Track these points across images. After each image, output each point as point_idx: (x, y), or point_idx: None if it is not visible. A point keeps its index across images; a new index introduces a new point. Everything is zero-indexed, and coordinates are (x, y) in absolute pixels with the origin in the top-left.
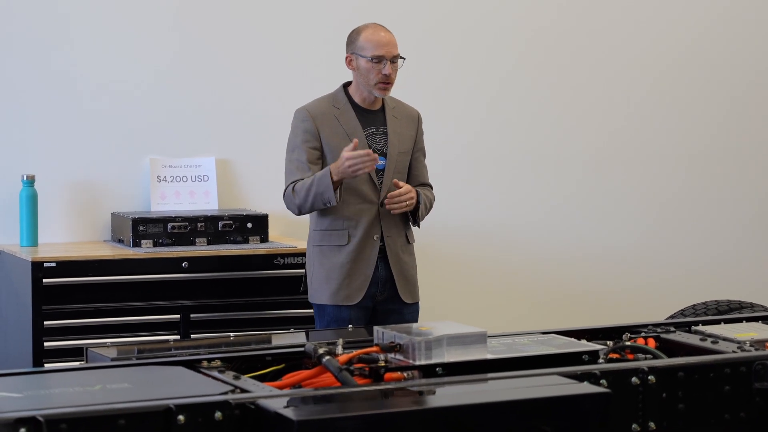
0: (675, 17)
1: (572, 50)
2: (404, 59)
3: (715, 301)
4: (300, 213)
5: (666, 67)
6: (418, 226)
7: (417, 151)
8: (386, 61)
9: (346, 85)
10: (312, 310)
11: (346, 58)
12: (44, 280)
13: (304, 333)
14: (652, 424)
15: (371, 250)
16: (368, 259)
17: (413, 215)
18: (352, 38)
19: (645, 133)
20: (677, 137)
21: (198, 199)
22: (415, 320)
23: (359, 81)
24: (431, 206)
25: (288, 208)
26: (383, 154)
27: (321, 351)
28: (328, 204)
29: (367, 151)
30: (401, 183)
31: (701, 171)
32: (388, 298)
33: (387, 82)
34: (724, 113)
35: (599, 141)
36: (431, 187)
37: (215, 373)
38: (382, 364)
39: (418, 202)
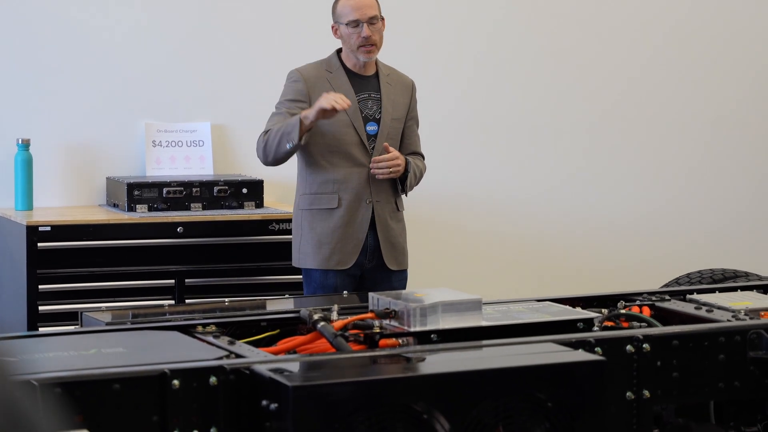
0: None
1: (573, 7)
2: (383, 19)
3: (710, 269)
4: (267, 160)
5: (673, 32)
6: (406, 195)
7: (410, 119)
8: (363, 23)
9: (340, 51)
10: None
11: (332, 27)
12: (39, 244)
13: (299, 299)
14: (646, 392)
15: (363, 214)
16: (360, 224)
17: (401, 183)
18: (333, 8)
19: (643, 100)
20: (676, 106)
21: (193, 164)
22: (403, 288)
23: (345, 48)
24: (421, 176)
25: (258, 155)
26: (375, 120)
27: (316, 317)
28: (290, 144)
29: (400, 162)
30: (391, 148)
31: (697, 140)
32: (376, 266)
33: (369, 44)
34: (730, 85)
35: (594, 107)
36: (423, 157)
37: (210, 338)
38: (377, 331)
39: (407, 170)
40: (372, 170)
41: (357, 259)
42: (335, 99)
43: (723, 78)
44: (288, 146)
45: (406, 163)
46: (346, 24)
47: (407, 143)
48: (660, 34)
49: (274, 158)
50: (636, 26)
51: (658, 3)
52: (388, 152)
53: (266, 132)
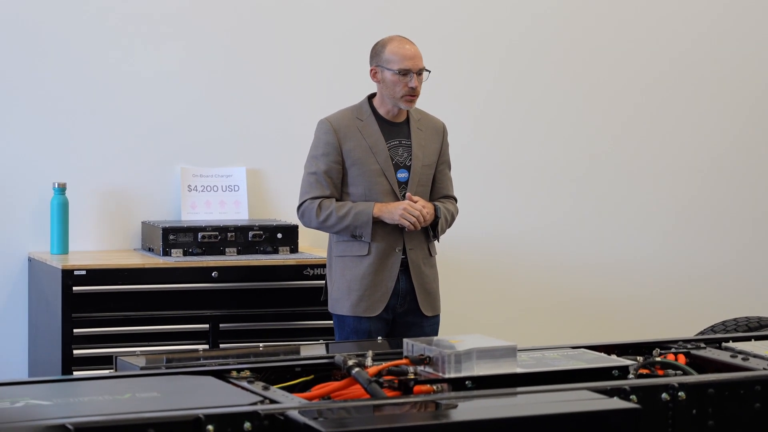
0: (693, 21)
1: (587, 62)
2: (429, 72)
3: (746, 317)
4: (312, 227)
5: (691, 73)
6: (438, 240)
7: (442, 163)
8: (412, 74)
9: (371, 97)
10: None
11: (371, 70)
12: (74, 288)
13: (333, 344)
14: None
15: (393, 262)
16: (390, 271)
17: (433, 229)
18: (377, 51)
19: (678, 145)
20: (712, 151)
21: (228, 208)
22: (435, 333)
23: (384, 93)
24: (453, 219)
25: (302, 220)
26: (406, 167)
27: (350, 363)
28: (360, 238)
29: (428, 210)
30: (415, 198)
31: (733, 186)
32: (409, 311)
33: (413, 95)
34: (758, 122)
35: (628, 153)
36: (455, 200)
37: (244, 384)
38: (412, 377)
39: (437, 216)
40: (399, 224)
41: (388, 304)
42: (416, 219)
43: (761, 123)
44: (357, 238)
45: (436, 209)
46: (396, 71)
47: (439, 187)
48: (690, 67)
49: (325, 231)
50: (670, 69)
51: (671, 44)
52: (414, 202)
53: (318, 202)
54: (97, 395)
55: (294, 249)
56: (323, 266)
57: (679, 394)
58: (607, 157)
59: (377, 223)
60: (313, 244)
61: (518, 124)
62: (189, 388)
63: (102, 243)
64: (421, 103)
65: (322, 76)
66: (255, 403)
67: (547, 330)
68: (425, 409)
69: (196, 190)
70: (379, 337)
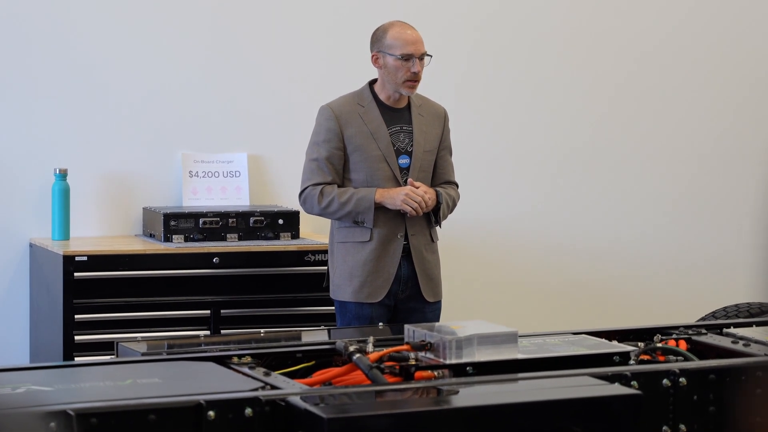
0: (689, 18)
1: (586, 48)
2: (431, 56)
3: (747, 303)
4: (314, 213)
5: (689, 58)
6: (440, 226)
7: (443, 149)
8: (414, 58)
9: (372, 83)
10: None
11: (372, 56)
12: (75, 274)
13: (334, 330)
14: (682, 427)
15: (395, 248)
16: (392, 257)
17: (435, 214)
18: (378, 36)
19: (682, 132)
20: (715, 139)
21: (229, 194)
22: (437, 319)
23: (386, 79)
24: (454, 205)
25: (304, 206)
26: (407, 153)
27: (352, 348)
28: (361, 224)
29: (430, 196)
30: (417, 183)
31: (734, 171)
32: (410, 297)
33: (415, 80)
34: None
35: (631, 140)
36: (456, 186)
37: (245, 370)
38: (413, 363)
39: (438, 202)
40: (401, 209)
41: (390, 290)
42: (419, 205)
43: (762, 105)
44: (358, 224)
45: (438, 194)
46: (398, 56)
47: (440, 173)
48: (685, 56)
49: (329, 218)
50: (670, 55)
51: (666, 36)
52: (415, 187)
53: (319, 188)
54: (99, 381)
55: (295, 235)
56: (325, 252)
57: (681, 380)
58: (608, 142)
59: (379, 209)
60: (314, 230)
61: (519, 110)
62: (190, 374)
63: (103, 229)
64: (420, 90)
65: (324, 61)
66: (256, 389)
67: (548, 316)
68: (426, 395)
69: (198, 176)
70: (381, 323)
